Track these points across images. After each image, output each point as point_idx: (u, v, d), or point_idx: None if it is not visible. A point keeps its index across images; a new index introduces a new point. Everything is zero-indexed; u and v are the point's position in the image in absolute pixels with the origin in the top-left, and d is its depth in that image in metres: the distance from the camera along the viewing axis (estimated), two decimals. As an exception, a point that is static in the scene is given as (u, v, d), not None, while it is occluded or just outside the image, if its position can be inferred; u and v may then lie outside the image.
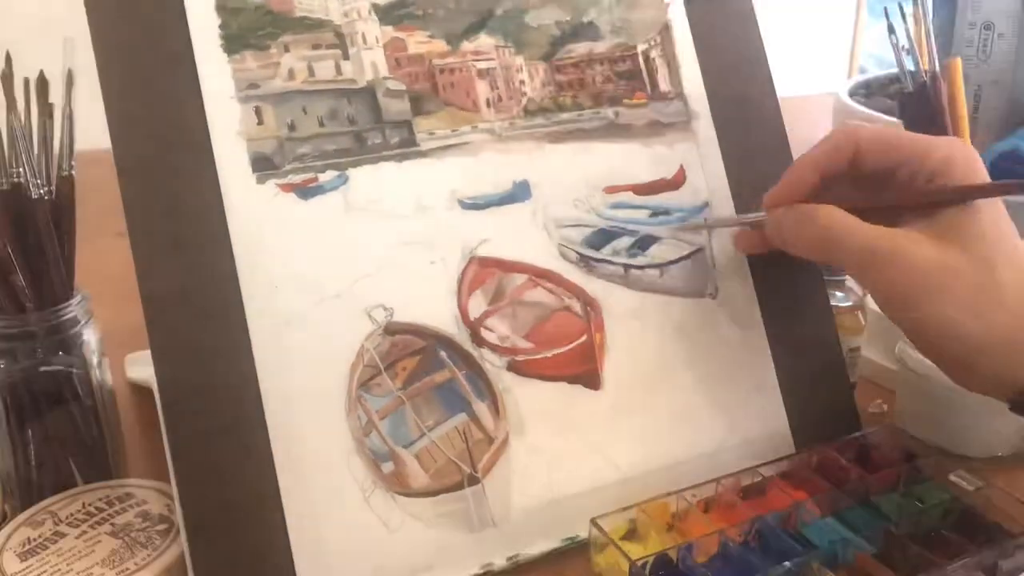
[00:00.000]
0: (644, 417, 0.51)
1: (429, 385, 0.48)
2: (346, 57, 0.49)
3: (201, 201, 0.45)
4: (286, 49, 0.48)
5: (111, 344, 0.53)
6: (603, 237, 0.52)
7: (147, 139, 0.45)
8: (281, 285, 0.46)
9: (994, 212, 0.46)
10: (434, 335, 0.48)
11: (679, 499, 0.48)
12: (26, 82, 0.47)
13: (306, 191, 0.47)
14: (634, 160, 0.54)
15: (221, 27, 0.47)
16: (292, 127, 0.47)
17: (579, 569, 0.47)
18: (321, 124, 0.48)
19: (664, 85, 0.56)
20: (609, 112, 0.54)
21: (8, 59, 0.47)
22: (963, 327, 0.44)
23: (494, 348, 0.49)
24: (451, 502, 0.46)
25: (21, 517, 0.48)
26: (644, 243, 0.53)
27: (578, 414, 0.50)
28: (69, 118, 0.48)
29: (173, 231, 0.44)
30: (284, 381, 0.45)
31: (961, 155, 0.46)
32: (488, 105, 0.52)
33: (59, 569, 0.44)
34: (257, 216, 0.46)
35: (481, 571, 0.46)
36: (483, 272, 0.50)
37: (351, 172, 0.48)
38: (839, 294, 0.59)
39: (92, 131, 0.48)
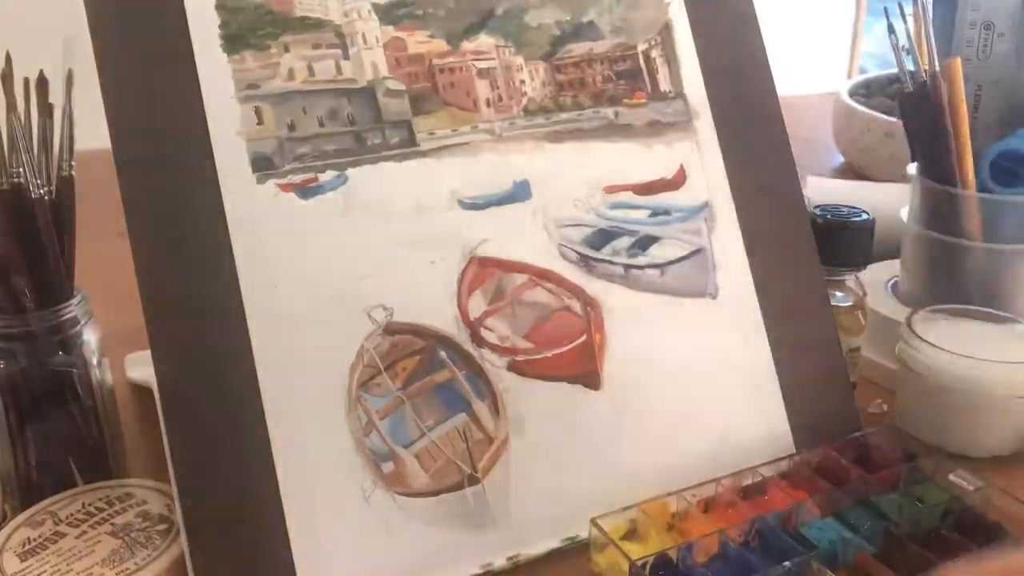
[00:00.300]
0: (644, 417, 0.51)
1: (429, 385, 0.48)
2: (346, 57, 0.49)
3: (201, 201, 0.45)
4: (286, 49, 0.48)
5: (111, 344, 0.53)
6: (603, 237, 0.52)
7: (147, 139, 0.45)
8: (281, 285, 0.46)
9: None
10: (434, 335, 0.48)
11: (679, 499, 0.48)
12: (26, 82, 0.47)
13: (306, 191, 0.47)
14: (634, 160, 0.54)
15: (221, 27, 0.47)
16: (292, 127, 0.47)
17: (579, 569, 0.47)
18: (321, 124, 0.48)
19: (664, 85, 0.56)
20: (609, 112, 0.54)
21: (8, 59, 0.47)
22: None
23: (494, 348, 0.49)
24: (451, 502, 0.46)
25: (21, 517, 0.48)
26: (644, 243, 0.53)
27: (578, 414, 0.50)
28: (69, 118, 0.48)
29: (173, 231, 0.44)
30: (284, 381, 0.45)
31: None
32: (488, 105, 0.51)
33: (59, 569, 0.44)
34: (257, 216, 0.46)
35: (481, 571, 0.46)
36: (483, 272, 0.50)
37: (351, 172, 0.48)
38: (839, 294, 0.59)
39: (92, 131, 0.48)
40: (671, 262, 0.53)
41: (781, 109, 0.58)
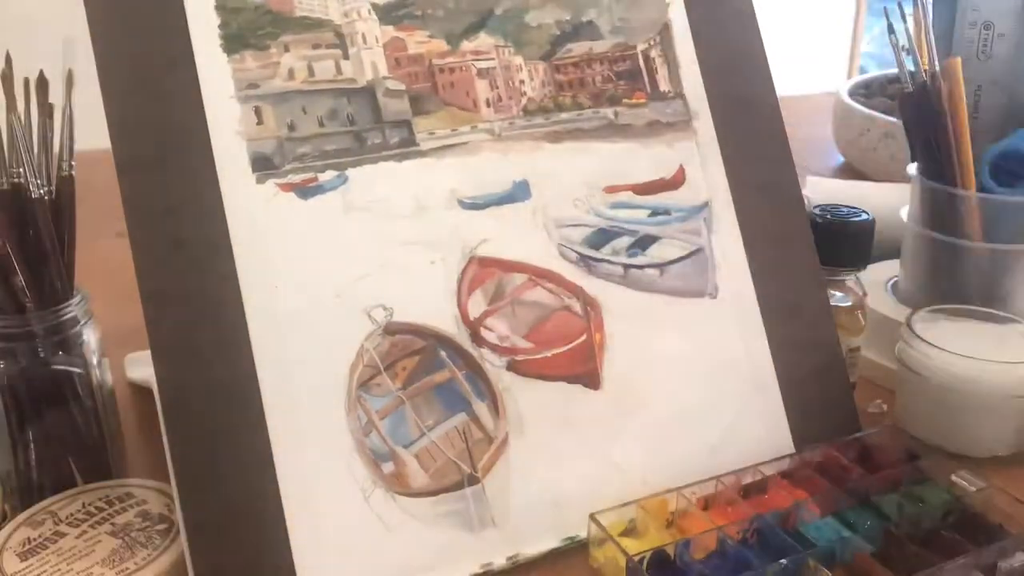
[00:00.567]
0: (644, 417, 0.51)
1: (429, 385, 0.48)
2: (346, 57, 0.49)
3: (201, 201, 0.45)
4: (286, 49, 0.48)
5: (111, 344, 0.53)
6: (603, 237, 0.52)
7: (147, 139, 0.45)
8: (281, 285, 0.46)
9: None
10: (434, 335, 0.48)
11: (679, 496, 0.48)
12: (26, 82, 0.47)
13: (306, 191, 0.47)
14: (634, 160, 0.54)
15: (221, 27, 0.47)
16: (292, 127, 0.47)
17: (579, 568, 0.47)
18: (321, 124, 0.48)
19: (664, 85, 0.56)
20: (609, 112, 0.54)
21: (8, 59, 0.47)
22: None
23: (494, 348, 0.49)
24: (451, 502, 0.47)
25: (21, 517, 0.48)
26: (644, 243, 0.53)
27: (578, 414, 0.50)
28: (69, 118, 0.48)
29: (173, 231, 0.44)
30: (284, 381, 0.45)
31: None
32: (488, 105, 0.52)
33: (59, 569, 0.44)
34: (257, 216, 0.46)
35: (481, 571, 0.46)
36: (483, 272, 0.50)
37: (351, 172, 0.48)
38: (839, 294, 0.59)
39: (92, 131, 0.48)
40: (671, 262, 0.54)
41: (781, 109, 0.58)
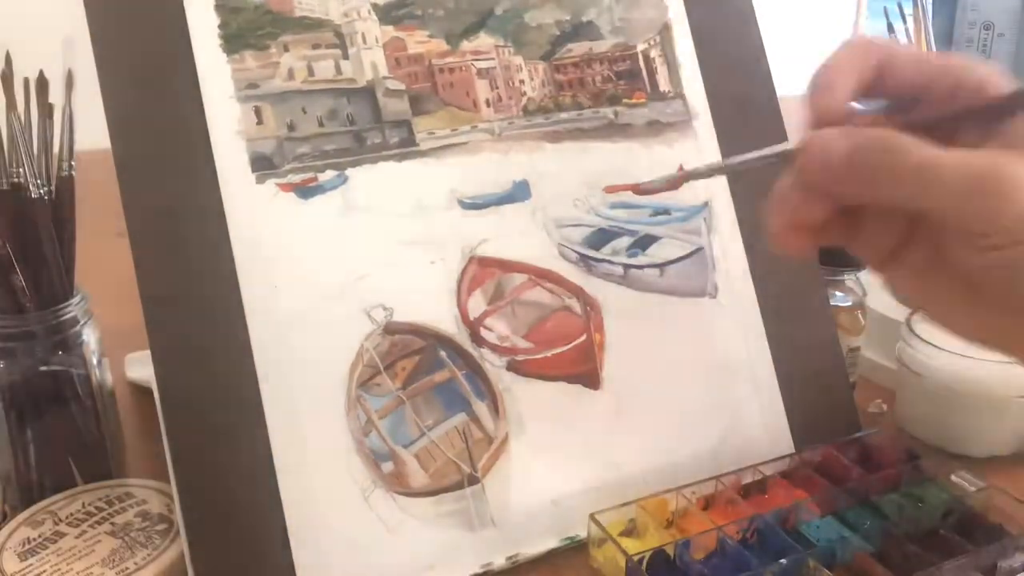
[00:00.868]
0: (644, 417, 0.51)
1: (429, 385, 0.48)
2: (346, 57, 0.49)
3: (201, 201, 0.45)
4: (286, 49, 0.48)
5: (111, 344, 0.53)
6: (603, 237, 0.52)
7: (147, 139, 0.45)
8: (281, 285, 0.46)
9: None
10: (434, 335, 0.48)
11: (679, 496, 0.48)
12: (26, 82, 0.47)
13: (306, 191, 0.47)
14: (634, 160, 0.54)
15: (220, 27, 0.47)
16: (291, 127, 0.47)
17: (579, 568, 0.47)
18: (320, 124, 0.48)
19: (664, 85, 0.56)
20: (609, 112, 0.54)
21: (8, 59, 0.47)
22: None
23: (494, 348, 0.49)
24: (451, 502, 0.46)
25: (21, 517, 0.48)
26: (643, 243, 0.53)
27: (578, 414, 0.50)
28: (69, 118, 0.48)
29: (173, 231, 0.44)
30: (284, 381, 0.45)
31: (994, 70, 0.37)
32: (488, 105, 0.52)
33: (59, 569, 0.44)
34: (256, 216, 0.46)
35: (481, 570, 0.46)
36: (483, 272, 0.50)
37: (350, 172, 0.48)
38: (839, 294, 0.59)
39: (92, 131, 0.48)
40: (670, 262, 0.53)
41: (781, 109, 0.58)
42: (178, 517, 0.44)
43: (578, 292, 0.51)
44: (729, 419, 0.53)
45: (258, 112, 0.47)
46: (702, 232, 0.55)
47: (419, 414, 0.47)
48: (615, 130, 0.54)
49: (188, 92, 0.46)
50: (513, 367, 0.49)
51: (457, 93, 0.51)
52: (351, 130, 0.49)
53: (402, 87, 0.50)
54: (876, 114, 0.40)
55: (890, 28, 0.64)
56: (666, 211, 0.54)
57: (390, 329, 0.47)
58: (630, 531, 0.48)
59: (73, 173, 0.49)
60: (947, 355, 0.55)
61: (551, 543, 0.48)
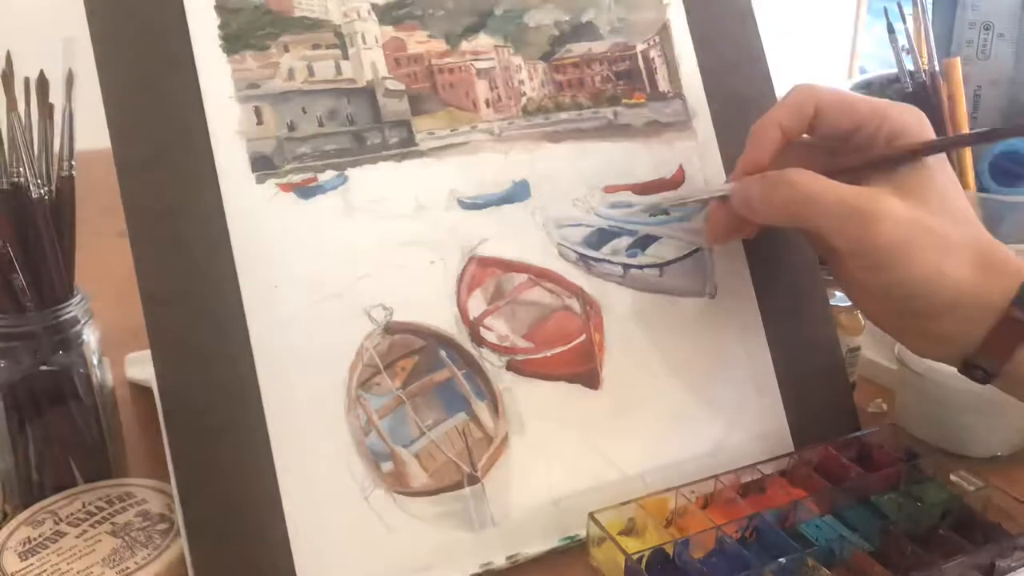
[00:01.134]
0: (643, 416, 0.51)
1: (429, 384, 0.48)
2: (345, 57, 0.49)
3: (201, 201, 0.45)
4: (286, 49, 0.48)
5: (111, 344, 0.53)
6: (602, 237, 0.52)
7: (147, 139, 0.45)
8: (281, 285, 0.46)
9: (946, 170, 0.47)
10: (433, 334, 0.48)
11: (678, 495, 0.49)
12: (26, 82, 0.47)
13: (305, 191, 0.47)
14: (633, 160, 0.54)
15: (220, 27, 0.47)
16: (291, 127, 0.47)
17: (578, 568, 0.48)
18: (320, 124, 0.48)
19: (663, 85, 0.56)
20: (608, 112, 0.54)
21: (8, 59, 0.47)
22: (931, 284, 0.44)
23: (493, 347, 0.49)
24: (451, 501, 0.47)
25: (21, 516, 0.48)
26: (643, 243, 0.53)
27: (577, 413, 0.50)
28: (69, 118, 0.48)
29: (173, 231, 0.45)
30: (284, 381, 0.45)
31: (916, 117, 0.47)
32: (487, 105, 0.52)
33: (59, 568, 0.44)
34: (256, 216, 0.46)
35: (481, 570, 0.46)
36: (482, 272, 0.50)
37: (350, 172, 0.48)
38: (839, 294, 0.59)
39: (92, 131, 0.48)
40: (670, 262, 0.54)
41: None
42: (178, 517, 0.44)
43: (578, 292, 0.51)
44: (728, 418, 0.53)
45: (258, 112, 0.47)
46: (702, 232, 0.55)
47: (419, 414, 0.47)
48: (614, 130, 0.54)
49: (188, 92, 0.46)
50: (513, 367, 0.49)
51: (457, 93, 0.51)
52: (351, 130, 0.49)
53: (402, 87, 0.50)
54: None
55: (890, 28, 0.64)
56: (666, 211, 0.54)
57: (390, 329, 0.47)
58: (629, 530, 0.48)
59: (73, 173, 0.49)
60: (946, 355, 0.55)
61: (551, 542, 0.48)
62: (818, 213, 0.45)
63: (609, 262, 0.52)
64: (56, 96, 0.48)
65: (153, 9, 0.46)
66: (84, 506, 0.48)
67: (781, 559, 0.44)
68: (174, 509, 0.47)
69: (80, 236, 0.50)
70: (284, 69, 0.48)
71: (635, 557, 0.44)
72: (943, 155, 0.47)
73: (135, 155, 0.44)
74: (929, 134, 0.47)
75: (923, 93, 0.63)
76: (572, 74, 0.54)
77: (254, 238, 0.45)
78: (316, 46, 0.49)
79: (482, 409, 0.48)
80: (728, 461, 0.51)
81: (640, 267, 0.53)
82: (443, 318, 0.48)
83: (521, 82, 0.53)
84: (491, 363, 0.49)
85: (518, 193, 0.51)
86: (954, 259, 0.44)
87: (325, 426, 0.45)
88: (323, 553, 0.44)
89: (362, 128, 0.49)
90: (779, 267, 0.56)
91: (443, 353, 0.48)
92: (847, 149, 0.48)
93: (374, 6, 0.50)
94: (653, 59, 0.56)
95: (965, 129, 0.63)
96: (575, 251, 0.52)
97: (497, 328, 0.49)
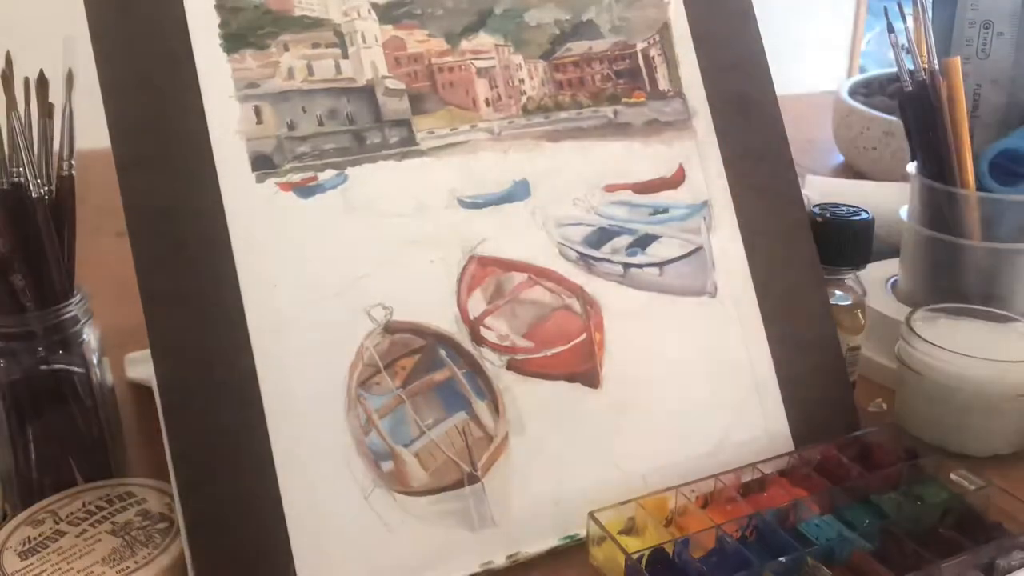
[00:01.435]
0: (643, 416, 0.51)
1: (429, 384, 0.48)
2: (345, 56, 0.49)
3: (201, 200, 0.45)
4: (285, 48, 0.48)
5: (111, 344, 0.53)
6: (602, 236, 0.52)
7: (147, 139, 0.45)
8: (281, 284, 0.46)
9: None
10: (434, 334, 0.48)
11: (678, 495, 0.49)
12: (26, 82, 0.47)
13: (305, 190, 0.47)
14: (633, 159, 0.54)
15: (220, 26, 0.47)
16: (291, 126, 0.47)
17: (578, 567, 0.47)
18: (320, 123, 0.48)
19: (663, 84, 0.56)
20: (608, 111, 0.54)
21: (8, 59, 0.47)
22: None
23: (494, 347, 0.49)
24: (451, 501, 0.47)
25: (21, 516, 0.48)
26: (643, 242, 0.53)
27: (578, 413, 0.50)
28: (69, 118, 0.48)
29: (173, 231, 0.45)
30: (284, 380, 0.45)
31: None
32: (487, 104, 0.52)
33: (59, 568, 0.44)
34: (256, 215, 0.46)
35: (481, 569, 0.46)
36: (482, 271, 0.50)
37: (350, 171, 0.48)
38: (839, 293, 0.59)
39: (92, 131, 0.48)
40: (670, 261, 0.54)
41: (780, 108, 0.58)
42: (178, 516, 0.44)
43: (578, 291, 0.51)
44: (728, 418, 0.53)
45: (258, 111, 0.47)
46: (702, 231, 0.55)
47: (419, 413, 0.47)
48: (614, 129, 0.54)
49: (188, 92, 0.46)
50: (513, 366, 0.49)
51: (457, 92, 0.51)
52: (351, 129, 0.49)
53: (402, 86, 0.50)
54: None
55: (890, 27, 0.64)
56: (666, 210, 0.54)
57: (390, 328, 0.47)
58: (629, 529, 0.48)
59: (73, 172, 0.49)
60: (947, 354, 0.55)
61: (551, 542, 0.48)
62: None
63: (609, 261, 0.52)
64: (56, 95, 0.48)
65: (153, 8, 0.46)
66: (84, 505, 0.48)
67: (781, 558, 0.44)
68: (174, 509, 0.47)
69: (80, 236, 0.50)
70: (284, 68, 0.48)
71: (635, 556, 0.44)
72: None
73: (135, 155, 0.44)
74: None
75: (923, 92, 0.63)
76: (572, 73, 0.54)
77: (254, 237, 0.45)
78: (316, 45, 0.49)
79: (482, 408, 0.48)
80: (728, 460, 0.51)
81: (640, 266, 0.53)
82: (443, 317, 0.48)
83: (521, 81, 0.53)
84: (491, 362, 0.49)
85: (518, 192, 0.51)
86: None
87: (325, 425, 0.45)
88: (323, 552, 0.44)
89: (362, 127, 0.49)
90: (779, 267, 0.56)
91: (443, 352, 0.48)
92: None
93: (374, 5, 0.50)
94: (653, 58, 0.56)
95: (965, 128, 0.63)
96: (575, 250, 0.52)
97: (497, 327, 0.49)
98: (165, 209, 0.45)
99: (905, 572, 0.44)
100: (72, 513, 0.48)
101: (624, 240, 0.53)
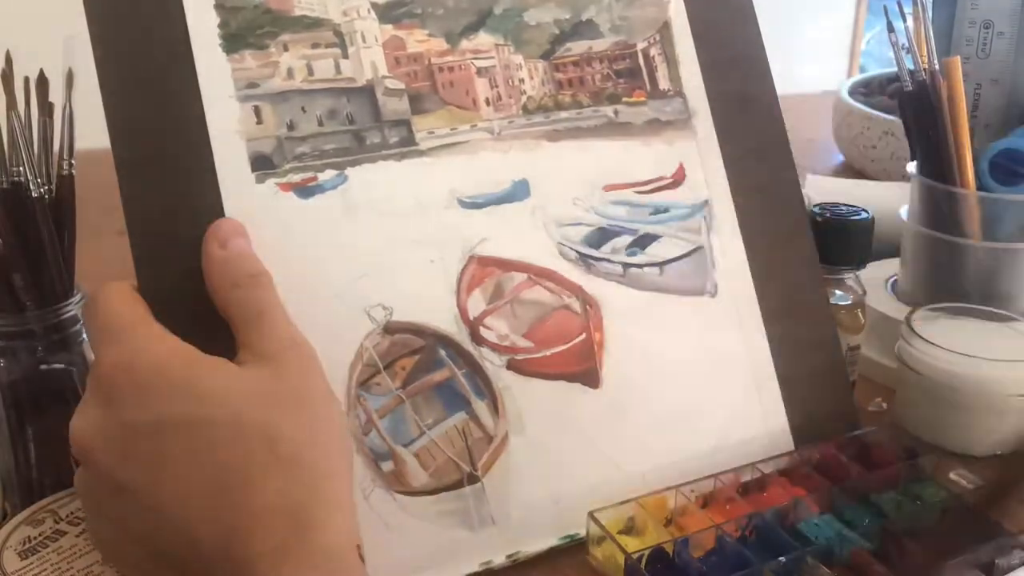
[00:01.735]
0: (643, 415, 0.51)
1: (428, 384, 0.48)
2: (345, 56, 0.49)
3: (200, 201, 0.45)
4: (285, 48, 0.48)
5: (111, 343, 0.53)
6: (602, 236, 0.52)
7: (147, 139, 0.45)
8: (281, 284, 0.45)
9: None
10: (433, 334, 0.48)
11: (677, 494, 0.49)
12: (26, 82, 0.47)
13: (305, 190, 0.47)
14: (633, 158, 0.54)
15: (220, 26, 0.47)
16: (291, 126, 0.47)
17: (578, 566, 0.48)
18: (320, 123, 0.48)
19: (663, 83, 0.56)
20: (608, 110, 0.54)
21: (8, 59, 0.47)
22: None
23: (493, 347, 0.49)
24: (451, 500, 0.47)
25: (21, 515, 0.48)
26: (643, 241, 0.53)
27: (577, 412, 0.50)
28: (69, 118, 0.48)
29: (173, 231, 0.44)
30: (284, 380, 0.45)
31: None
32: (487, 104, 0.52)
33: (59, 567, 0.44)
34: (256, 215, 0.46)
35: (481, 569, 0.46)
36: (482, 271, 0.50)
37: (350, 171, 0.48)
38: (839, 292, 0.59)
39: (92, 131, 0.48)
40: (670, 260, 0.54)
41: (781, 108, 0.58)
42: (178, 516, 0.44)
43: (578, 291, 0.51)
44: (728, 417, 0.53)
45: (258, 111, 0.47)
46: (702, 231, 0.55)
47: (419, 413, 0.47)
48: (615, 129, 0.54)
49: (188, 92, 0.46)
50: (513, 366, 0.49)
51: (457, 92, 0.51)
52: (351, 129, 0.49)
53: (401, 86, 0.50)
54: None
55: (890, 27, 0.64)
56: (666, 210, 0.54)
57: (390, 328, 0.47)
58: (629, 529, 0.48)
59: (73, 172, 0.49)
60: (947, 354, 0.55)
61: (551, 541, 0.48)
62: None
63: (609, 261, 0.52)
64: (56, 95, 0.48)
65: (152, 8, 0.46)
66: (84, 505, 0.48)
67: (781, 558, 0.44)
68: (174, 508, 0.47)
69: (80, 235, 0.50)
70: (283, 68, 0.48)
71: (635, 556, 0.44)
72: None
73: (135, 154, 0.44)
74: None
75: (923, 92, 0.63)
76: (572, 72, 0.54)
77: (254, 237, 0.45)
78: (316, 45, 0.49)
79: (482, 408, 0.48)
80: (728, 460, 0.51)
81: (640, 266, 0.53)
82: (443, 317, 0.48)
83: (521, 80, 0.53)
84: (491, 362, 0.49)
85: (518, 192, 0.51)
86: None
87: (325, 425, 0.45)
88: (323, 552, 0.44)
89: (362, 127, 0.49)
90: (779, 266, 0.56)
91: (443, 352, 0.48)
92: None
93: (374, 5, 0.50)
94: (653, 57, 0.56)
95: (965, 127, 0.63)
96: (575, 250, 0.52)
97: (497, 327, 0.49)
98: (165, 209, 0.45)
99: (905, 571, 0.44)
100: (72, 513, 0.48)
101: (624, 240, 0.53)
